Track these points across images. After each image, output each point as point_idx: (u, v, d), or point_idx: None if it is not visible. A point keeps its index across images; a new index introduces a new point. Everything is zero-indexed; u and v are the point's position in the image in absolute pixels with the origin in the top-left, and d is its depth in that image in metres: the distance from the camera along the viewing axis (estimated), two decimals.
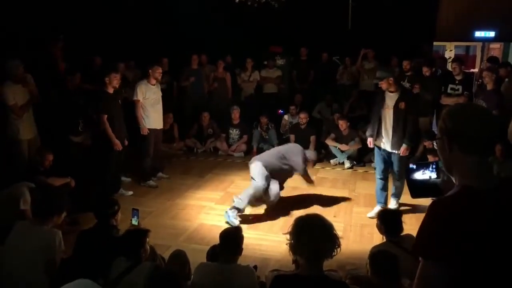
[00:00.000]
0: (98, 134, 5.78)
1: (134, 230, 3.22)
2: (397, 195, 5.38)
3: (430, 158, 5.74)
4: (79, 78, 6.25)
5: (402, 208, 5.21)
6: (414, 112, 5.10)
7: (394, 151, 5.11)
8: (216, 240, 3.14)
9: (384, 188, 5.36)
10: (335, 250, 2.21)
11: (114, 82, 5.56)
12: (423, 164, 2.22)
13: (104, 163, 5.62)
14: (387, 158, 5.25)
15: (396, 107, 4.99)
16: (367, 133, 5.45)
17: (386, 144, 5.16)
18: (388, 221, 3.41)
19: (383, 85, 5.02)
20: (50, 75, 6.49)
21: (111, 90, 5.59)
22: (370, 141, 5.36)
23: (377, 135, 5.17)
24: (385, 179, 5.34)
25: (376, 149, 5.33)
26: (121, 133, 5.76)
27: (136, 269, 2.91)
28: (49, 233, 3.31)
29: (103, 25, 7.79)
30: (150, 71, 6.11)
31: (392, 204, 5.38)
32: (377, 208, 5.25)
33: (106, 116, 5.52)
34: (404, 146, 5.03)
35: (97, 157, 5.76)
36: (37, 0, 6.71)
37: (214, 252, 3.31)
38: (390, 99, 5.04)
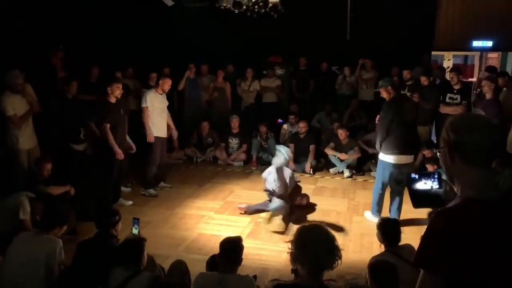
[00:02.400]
0: (98, 143, 5.79)
1: (131, 240, 3.22)
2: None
3: (429, 167, 5.74)
4: (76, 87, 6.25)
5: (402, 218, 5.19)
6: (381, 125, 5.16)
7: None
8: (215, 250, 3.14)
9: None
10: (336, 262, 2.21)
11: (116, 92, 5.57)
12: (425, 174, 2.22)
13: (105, 172, 5.61)
14: None
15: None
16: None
17: None
18: (388, 230, 3.43)
19: (383, 94, 5.15)
20: (50, 84, 6.52)
21: (113, 100, 5.59)
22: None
23: None
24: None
25: None
26: (123, 143, 5.76)
27: (135, 279, 2.90)
28: (51, 241, 3.33)
29: (102, 33, 7.84)
30: (160, 82, 6.27)
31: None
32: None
33: (109, 125, 5.51)
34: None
35: (98, 166, 5.76)
36: (36, 9, 6.75)
37: (213, 262, 3.31)
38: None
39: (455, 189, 1.56)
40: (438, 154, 1.61)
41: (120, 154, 5.57)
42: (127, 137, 6.03)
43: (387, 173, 5.12)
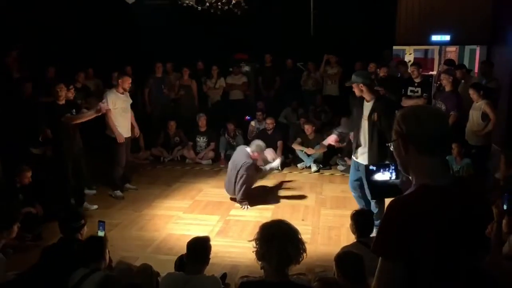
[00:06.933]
0: (53, 145, 5.64)
1: (92, 237, 3.21)
2: (378, 218, 4.16)
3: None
4: (30, 88, 6.01)
5: None
6: (387, 126, 4.21)
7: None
8: (185, 249, 3.12)
9: (360, 196, 4.88)
10: (301, 255, 2.22)
11: (63, 94, 5.41)
12: (382, 165, 2.28)
13: (61, 175, 5.46)
14: (359, 170, 4.72)
15: (369, 119, 4.45)
16: (338, 130, 5.13)
17: (360, 156, 4.66)
18: (360, 222, 3.48)
19: (355, 90, 4.55)
20: (4, 86, 6.27)
21: (61, 101, 5.42)
22: (336, 139, 5.14)
23: (356, 145, 4.70)
24: (355, 189, 4.88)
25: (352, 159, 4.88)
26: (73, 146, 5.60)
27: (90, 277, 2.89)
28: None
29: (60, 32, 7.61)
30: (119, 81, 6.08)
31: None
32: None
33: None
34: None
35: (57, 169, 5.60)
36: None
37: (181, 262, 3.29)
38: (366, 108, 4.53)
39: (411, 179, 1.61)
40: (391, 147, 1.65)
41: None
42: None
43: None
